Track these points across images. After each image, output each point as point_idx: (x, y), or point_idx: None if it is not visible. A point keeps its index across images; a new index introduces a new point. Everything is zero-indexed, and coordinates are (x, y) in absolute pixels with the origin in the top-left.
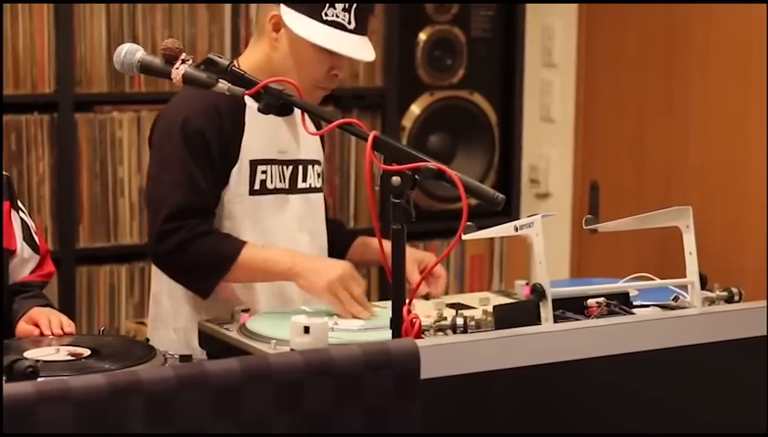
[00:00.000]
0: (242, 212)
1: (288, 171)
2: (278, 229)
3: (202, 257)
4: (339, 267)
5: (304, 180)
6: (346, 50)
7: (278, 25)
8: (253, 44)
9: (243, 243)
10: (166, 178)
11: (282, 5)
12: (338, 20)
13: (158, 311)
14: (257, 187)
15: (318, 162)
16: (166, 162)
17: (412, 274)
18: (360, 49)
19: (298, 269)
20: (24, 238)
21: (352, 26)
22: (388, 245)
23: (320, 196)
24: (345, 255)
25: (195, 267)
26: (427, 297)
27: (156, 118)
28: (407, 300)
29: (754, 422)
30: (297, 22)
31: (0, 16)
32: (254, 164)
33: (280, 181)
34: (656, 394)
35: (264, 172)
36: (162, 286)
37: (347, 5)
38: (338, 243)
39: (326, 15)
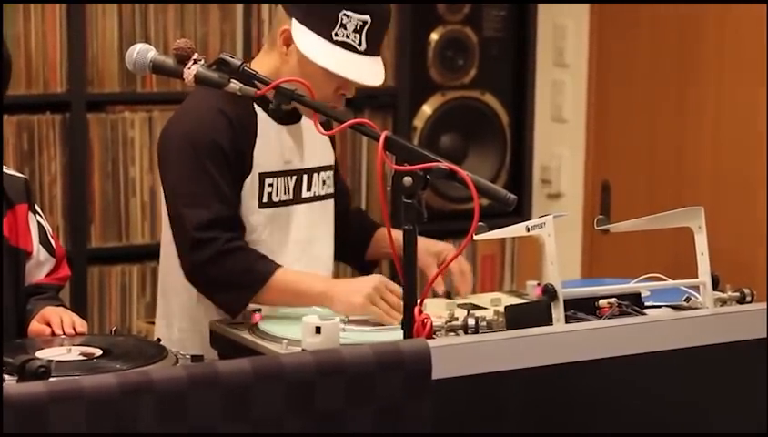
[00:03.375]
0: (251, 225)
1: (291, 181)
2: (282, 241)
3: (235, 273)
4: (373, 280)
5: (308, 189)
6: (353, 75)
7: (289, 40)
8: (264, 53)
9: (277, 265)
10: (191, 191)
11: (293, 20)
12: (349, 41)
13: (163, 309)
14: (264, 200)
15: (324, 168)
16: (186, 177)
17: (431, 267)
18: (369, 73)
19: (333, 293)
20: (40, 242)
21: (363, 48)
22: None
23: (325, 203)
24: (367, 246)
25: (227, 282)
26: (449, 295)
27: (162, 135)
28: (419, 300)
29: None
30: (306, 41)
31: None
32: (262, 177)
33: (285, 193)
34: (668, 395)
35: (270, 185)
36: (166, 286)
37: (358, 25)
38: (361, 233)
39: (336, 35)
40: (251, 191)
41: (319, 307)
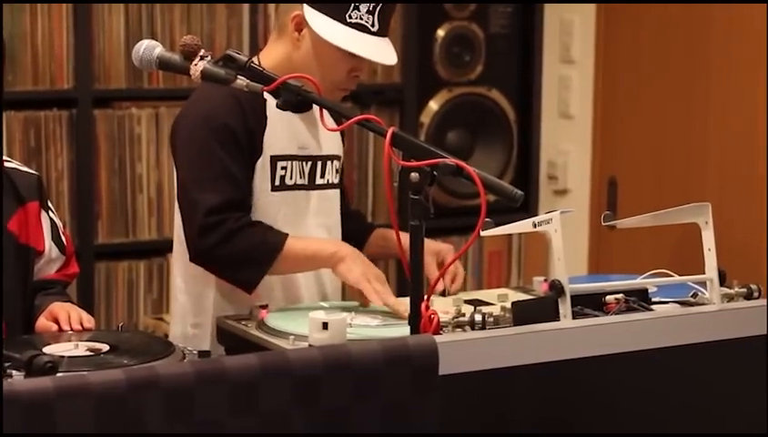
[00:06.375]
0: (264, 208)
1: (306, 167)
2: (298, 226)
3: (248, 249)
4: (373, 268)
5: (322, 176)
6: (369, 54)
7: (301, 24)
8: (273, 42)
9: (286, 235)
10: (201, 175)
11: (305, 5)
12: (362, 22)
13: (175, 307)
14: (277, 182)
15: (337, 157)
16: (197, 160)
17: (430, 266)
18: (383, 52)
19: (342, 255)
20: (52, 238)
21: (375, 28)
22: (406, 239)
23: (337, 191)
24: (363, 247)
25: (241, 259)
26: (444, 293)
27: (176, 121)
28: (425, 297)
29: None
30: (320, 23)
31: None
32: (274, 160)
33: (300, 177)
34: (675, 391)
35: (284, 168)
36: (179, 283)
37: (371, 6)
38: (357, 234)
39: (350, 17)
40: (263, 174)
41: (327, 267)
